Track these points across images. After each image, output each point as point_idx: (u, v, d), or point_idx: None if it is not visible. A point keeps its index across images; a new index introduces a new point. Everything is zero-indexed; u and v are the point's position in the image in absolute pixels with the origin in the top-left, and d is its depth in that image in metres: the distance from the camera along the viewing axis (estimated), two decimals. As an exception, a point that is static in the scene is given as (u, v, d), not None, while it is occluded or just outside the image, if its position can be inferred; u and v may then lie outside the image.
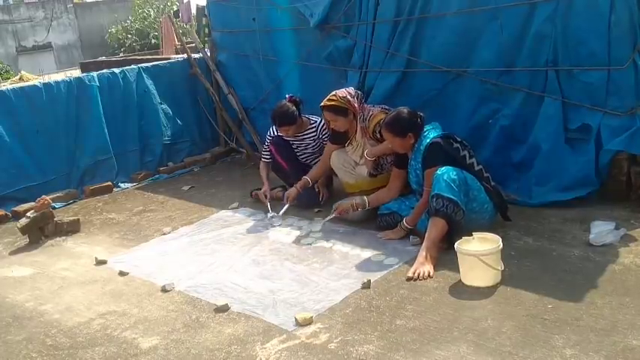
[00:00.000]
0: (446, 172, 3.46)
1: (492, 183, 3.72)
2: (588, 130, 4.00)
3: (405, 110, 3.77)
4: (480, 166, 3.70)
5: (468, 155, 3.68)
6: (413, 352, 2.62)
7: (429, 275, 3.28)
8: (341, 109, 4.25)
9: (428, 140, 3.67)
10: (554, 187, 4.10)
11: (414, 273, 3.31)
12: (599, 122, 3.95)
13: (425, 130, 3.76)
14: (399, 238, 3.81)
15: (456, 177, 3.45)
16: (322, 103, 4.31)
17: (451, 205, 3.41)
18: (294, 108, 4.62)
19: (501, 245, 3.15)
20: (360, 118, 4.30)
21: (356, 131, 4.33)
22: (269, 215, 4.45)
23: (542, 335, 2.64)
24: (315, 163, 4.80)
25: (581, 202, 3.99)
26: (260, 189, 4.92)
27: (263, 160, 4.97)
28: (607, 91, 3.88)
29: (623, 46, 3.76)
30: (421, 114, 3.80)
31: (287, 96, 4.73)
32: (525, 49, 4.17)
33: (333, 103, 4.25)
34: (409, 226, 3.77)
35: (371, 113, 4.30)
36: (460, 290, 3.13)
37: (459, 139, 3.71)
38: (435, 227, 3.43)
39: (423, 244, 3.45)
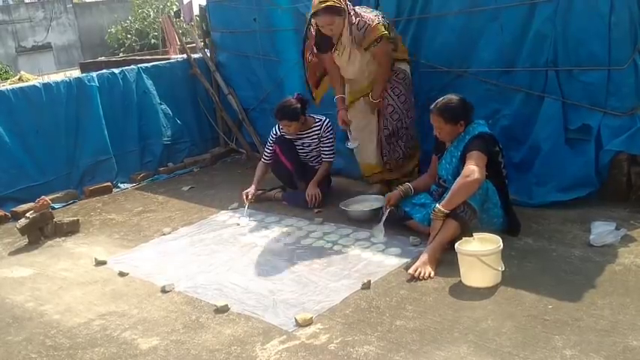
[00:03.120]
0: None
1: (509, 197, 3.71)
2: (588, 130, 4.00)
3: (454, 97, 3.65)
4: (506, 180, 3.70)
5: (502, 164, 3.67)
6: (413, 353, 2.62)
7: (429, 276, 3.28)
8: (338, 9, 3.98)
9: (476, 132, 3.60)
10: (555, 188, 4.10)
11: (415, 271, 3.30)
12: (599, 122, 3.95)
13: (474, 122, 3.68)
14: (436, 230, 3.46)
15: (484, 190, 3.44)
16: (317, 7, 3.97)
17: (470, 210, 3.39)
18: (298, 105, 4.61)
19: (501, 246, 3.15)
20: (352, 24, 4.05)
21: (341, 34, 4.08)
22: (241, 217, 4.53)
23: (543, 336, 2.64)
24: (316, 164, 4.79)
25: (582, 203, 3.99)
26: (260, 190, 4.91)
27: (263, 160, 4.94)
28: (607, 91, 3.88)
29: (623, 46, 3.76)
30: (471, 103, 3.71)
31: (295, 94, 4.72)
32: (525, 49, 4.17)
33: (330, 3, 3.93)
34: (446, 210, 3.43)
35: (367, 24, 4.05)
36: (460, 291, 3.13)
37: (500, 146, 3.68)
38: (448, 230, 3.40)
39: (431, 244, 3.43)
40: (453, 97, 3.66)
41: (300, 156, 4.84)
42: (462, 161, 3.53)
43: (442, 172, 3.80)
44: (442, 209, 3.42)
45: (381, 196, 4.33)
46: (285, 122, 4.64)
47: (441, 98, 3.69)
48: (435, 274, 3.30)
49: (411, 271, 3.32)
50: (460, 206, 3.39)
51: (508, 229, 3.66)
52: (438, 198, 3.72)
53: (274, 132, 4.87)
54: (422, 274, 3.28)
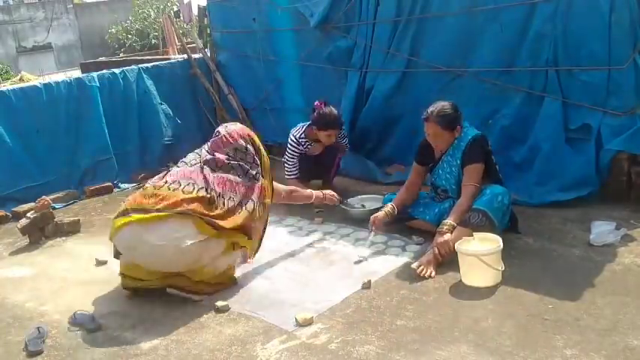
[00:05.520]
0: (501, 194, 3.45)
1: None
2: (588, 129, 4.01)
3: (446, 103, 3.61)
4: (500, 175, 3.71)
5: (494, 159, 3.67)
6: (413, 353, 2.62)
7: (429, 275, 3.28)
8: None
9: (469, 137, 3.60)
10: (555, 187, 4.11)
11: (418, 267, 3.31)
12: (599, 122, 3.95)
13: (464, 126, 3.68)
14: (448, 247, 3.34)
15: (507, 203, 3.49)
16: None
17: (485, 219, 3.37)
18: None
19: (501, 245, 3.15)
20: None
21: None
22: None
23: (543, 335, 2.64)
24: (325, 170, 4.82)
25: (582, 202, 3.99)
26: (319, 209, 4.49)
27: (292, 177, 4.72)
28: (607, 90, 3.88)
29: (623, 45, 3.76)
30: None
31: (317, 102, 4.61)
32: (525, 49, 4.17)
33: None
34: (455, 224, 3.40)
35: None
36: (460, 290, 3.13)
37: (489, 143, 3.69)
38: (459, 235, 3.36)
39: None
40: (445, 104, 3.61)
41: (311, 160, 4.78)
42: (462, 167, 3.58)
43: (441, 183, 3.78)
44: (454, 224, 3.39)
45: (381, 196, 4.33)
46: (334, 131, 4.55)
47: (433, 106, 3.62)
48: (435, 274, 3.31)
49: (414, 265, 3.33)
50: (483, 220, 3.37)
51: (511, 224, 3.69)
52: (441, 202, 3.79)
53: (295, 147, 4.67)
54: (424, 272, 3.29)
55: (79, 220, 4.77)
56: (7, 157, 5.31)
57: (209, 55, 6.59)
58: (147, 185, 3.39)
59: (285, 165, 4.79)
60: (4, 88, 5.61)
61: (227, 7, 6.20)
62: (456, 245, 3.22)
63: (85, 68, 10.80)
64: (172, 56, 9.22)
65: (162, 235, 3.12)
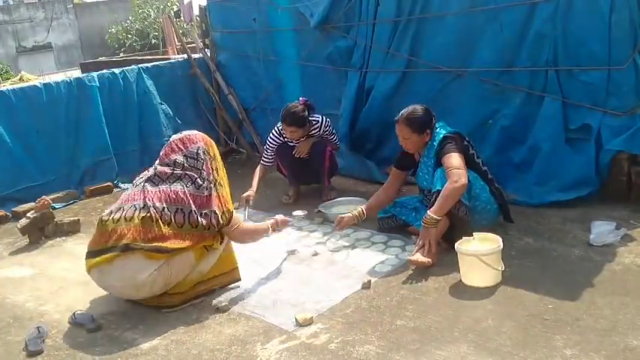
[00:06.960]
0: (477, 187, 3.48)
1: (496, 185, 3.71)
2: (588, 130, 4.01)
3: (419, 107, 3.68)
4: (485, 167, 3.70)
5: (475, 155, 3.68)
6: (413, 353, 2.62)
7: (428, 263, 3.32)
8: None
9: (440, 136, 3.62)
10: (555, 187, 4.11)
11: (414, 257, 3.34)
12: (599, 122, 3.95)
13: (436, 127, 3.70)
14: (432, 238, 3.41)
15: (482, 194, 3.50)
16: None
17: (462, 206, 3.40)
18: (305, 112, 4.59)
19: (501, 245, 3.15)
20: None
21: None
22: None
23: (543, 335, 2.64)
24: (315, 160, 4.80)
25: (582, 202, 3.99)
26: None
27: (263, 163, 4.88)
28: (607, 91, 3.88)
29: (623, 46, 3.76)
30: (433, 112, 3.74)
31: (300, 99, 4.67)
32: (525, 49, 4.17)
33: None
34: (437, 217, 3.38)
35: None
36: (460, 290, 3.13)
37: (467, 139, 3.70)
38: (440, 225, 3.41)
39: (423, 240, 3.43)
40: (417, 107, 3.68)
41: (299, 160, 4.80)
42: (439, 167, 3.56)
43: (423, 184, 3.82)
44: (434, 216, 3.38)
45: (361, 199, 4.34)
46: (294, 128, 4.59)
47: (406, 109, 3.69)
48: (434, 264, 3.34)
49: (411, 257, 3.36)
50: (463, 208, 3.40)
51: (504, 215, 3.73)
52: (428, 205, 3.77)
53: (276, 137, 4.81)
54: (420, 260, 3.32)
55: (79, 220, 4.77)
56: (7, 157, 5.30)
57: (209, 55, 6.59)
58: (100, 216, 3.31)
59: (264, 151, 4.91)
60: (4, 88, 5.61)
61: (227, 7, 6.20)
62: (456, 245, 3.23)
63: (85, 68, 10.81)
64: (172, 56, 9.22)
65: (117, 276, 3.14)
